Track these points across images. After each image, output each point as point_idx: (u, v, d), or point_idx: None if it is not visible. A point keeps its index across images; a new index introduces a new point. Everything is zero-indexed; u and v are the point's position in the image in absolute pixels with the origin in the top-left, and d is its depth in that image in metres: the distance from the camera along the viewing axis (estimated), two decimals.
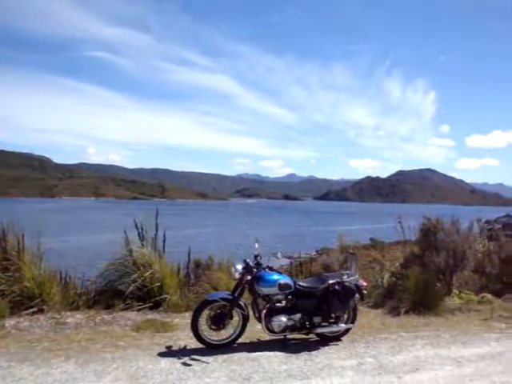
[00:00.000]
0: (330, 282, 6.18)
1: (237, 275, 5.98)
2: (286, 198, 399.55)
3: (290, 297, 6.05)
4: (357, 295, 6.32)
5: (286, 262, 12.66)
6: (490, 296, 9.52)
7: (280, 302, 5.99)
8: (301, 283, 6.22)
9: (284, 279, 6.04)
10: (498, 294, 9.99)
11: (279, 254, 6.18)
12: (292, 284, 6.06)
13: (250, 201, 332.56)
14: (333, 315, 6.19)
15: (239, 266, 5.99)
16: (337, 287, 6.13)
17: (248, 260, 6.05)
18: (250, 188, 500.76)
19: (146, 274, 7.76)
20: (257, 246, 6.23)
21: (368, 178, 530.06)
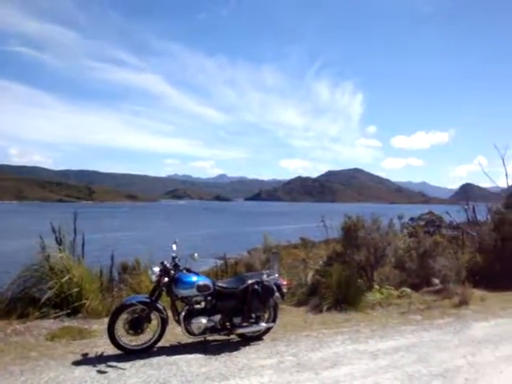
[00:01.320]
0: (250, 281, 6.19)
1: (154, 278, 5.86)
2: (218, 198, 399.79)
3: (209, 298, 6.01)
4: (277, 294, 6.35)
5: (212, 262, 12.62)
6: (408, 290, 9.87)
7: (199, 303, 5.93)
8: (220, 284, 6.20)
9: (202, 280, 5.99)
10: (416, 287, 10.37)
11: (196, 255, 6.10)
12: (211, 285, 6.02)
13: (180, 202, 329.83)
14: (253, 315, 6.22)
15: (156, 269, 5.87)
16: (256, 287, 6.14)
17: (165, 262, 5.95)
18: (180, 189, 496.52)
19: (64, 280, 7.45)
20: (174, 247, 6.15)
21: (298, 178, 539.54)
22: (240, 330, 6.17)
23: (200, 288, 5.89)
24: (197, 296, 5.89)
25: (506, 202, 13.51)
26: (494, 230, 12.34)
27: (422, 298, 9.58)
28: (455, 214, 15.84)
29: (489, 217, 13.60)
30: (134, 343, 5.74)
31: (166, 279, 5.84)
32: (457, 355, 5.94)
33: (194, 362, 5.45)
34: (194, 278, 5.94)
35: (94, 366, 5.20)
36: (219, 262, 12.24)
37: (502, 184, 15.32)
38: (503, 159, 15.26)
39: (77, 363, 5.29)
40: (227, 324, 6.11)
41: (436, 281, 10.46)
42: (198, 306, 5.91)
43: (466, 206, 14.44)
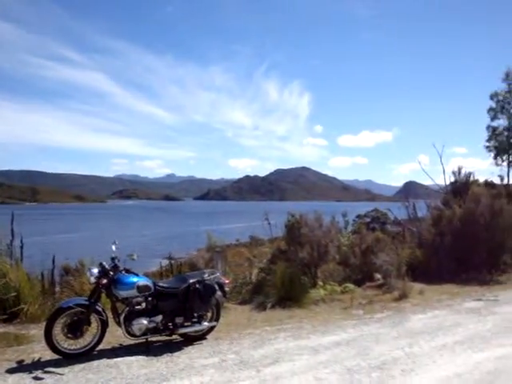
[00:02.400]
0: (191, 281, 6.17)
1: (92, 279, 5.74)
2: (166, 198, 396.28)
3: (150, 298, 5.93)
4: (219, 293, 6.36)
5: (163, 262, 12.54)
6: (351, 286, 10.09)
7: (140, 304, 5.83)
8: (161, 284, 6.15)
9: (143, 281, 5.92)
10: (359, 283, 10.62)
11: (135, 256, 6.03)
12: (151, 285, 5.96)
13: (129, 202, 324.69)
14: (195, 314, 6.20)
15: (95, 270, 5.76)
16: (197, 286, 6.13)
17: (104, 263, 5.84)
18: (128, 189, 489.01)
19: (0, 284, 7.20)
20: (114, 248, 6.04)
21: (247, 177, 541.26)
22: (182, 330, 6.13)
23: (140, 289, 5.81)
24: (137, 297, 5.80)
25: (444, 199, 14.06)
26: (432, 226, 12.79)
27: (364, 293, 9.83)
28: (398, 211, 16.34)
29: (428, 213, 14.09)
30: (73, 347, 5.59)
31: (105, 281, 5.74)
32: (395, 347, 6.13)
33: (135, 363, 5.39)
34: (134, 279, 5.86)
35: (30, 372, 5.03)
36: (166, 262, 12.15)
37: (442, 181, 15.94)
38: (441, 158, 15.90)
39: (11, 371, 5.10)
40: (169, 324, 6.06)
41: (378, 276, 10.74)
42: (138, 307, 5.81)
43: (407, 203, 14.90)
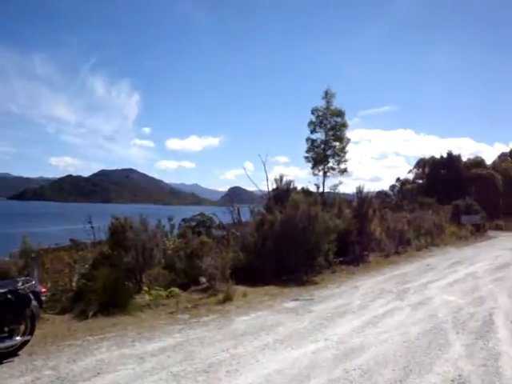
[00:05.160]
0: (1, 291, 5.56)
1: None
2: None
3: None
4: (34, 303, 5.84)
5: None
6: (177, 290, 10.04)
7: None
8: None
9: None
10: (185, 287, 10.61)
11: None
12: None
13: None
14: (5, 328, 5.60)
15: None
16: (9, 296, 5.55)
17: None
18: None
19: None
20: None
21: (69, 176, 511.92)
22: None
23: None
24: None
25: (267, 204, 14.81)
26: (255, 230, 13.35)
27: (190, 297, 9.84)
28: (223, 215, 16.80)
29: (251, 218, 14.70)
30: None
31: None
32: (220, 350, 6.23)
33: None
34: None
35: None
36: None
37: (266, 188, 16.81)
38: (264, 165, 16.79)
39: None
40: None
41: (203, 279, 10.86)
42: None
43: (232, 208, 15.38)
